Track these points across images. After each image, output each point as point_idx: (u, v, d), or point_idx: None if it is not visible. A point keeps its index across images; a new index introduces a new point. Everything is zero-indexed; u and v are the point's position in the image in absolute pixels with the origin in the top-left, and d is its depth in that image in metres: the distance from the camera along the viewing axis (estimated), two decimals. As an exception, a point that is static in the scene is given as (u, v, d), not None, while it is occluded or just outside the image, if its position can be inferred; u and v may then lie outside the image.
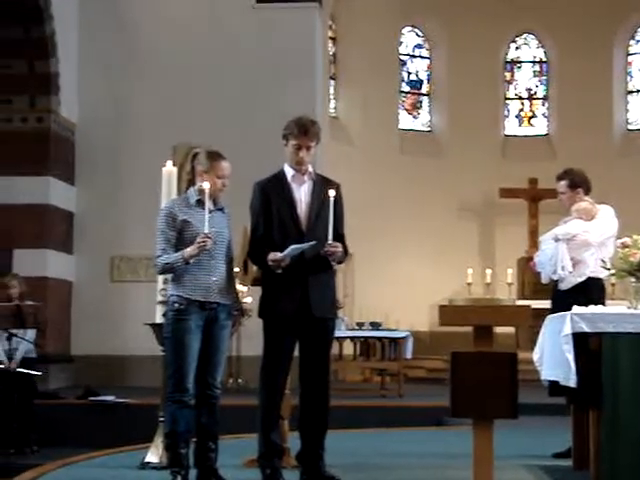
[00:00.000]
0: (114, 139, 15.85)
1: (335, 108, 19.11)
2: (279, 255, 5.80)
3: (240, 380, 14.46)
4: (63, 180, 15.61)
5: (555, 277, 7.43)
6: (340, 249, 5.92)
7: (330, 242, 5.86)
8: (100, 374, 14.96)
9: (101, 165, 15.87)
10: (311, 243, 5.83)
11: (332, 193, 5.94)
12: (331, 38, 18.94)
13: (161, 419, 7.04)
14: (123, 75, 15.89)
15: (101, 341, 15.42)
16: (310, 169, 6.13)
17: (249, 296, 9.88)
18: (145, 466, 6.94)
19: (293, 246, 5.81)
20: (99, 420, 11.44)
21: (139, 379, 14.54)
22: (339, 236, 6.00)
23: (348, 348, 15.00)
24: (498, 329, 5.35)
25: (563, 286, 7.40)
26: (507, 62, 20.56)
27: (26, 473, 6.55)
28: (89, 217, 15.92)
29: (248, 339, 11.41)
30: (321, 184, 6.11)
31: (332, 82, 19.03)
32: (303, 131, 6.02)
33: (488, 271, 17.54)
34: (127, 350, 15.13)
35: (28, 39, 14.84)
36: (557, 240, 7.40)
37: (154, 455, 7.02)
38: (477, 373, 4.97)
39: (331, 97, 19.01)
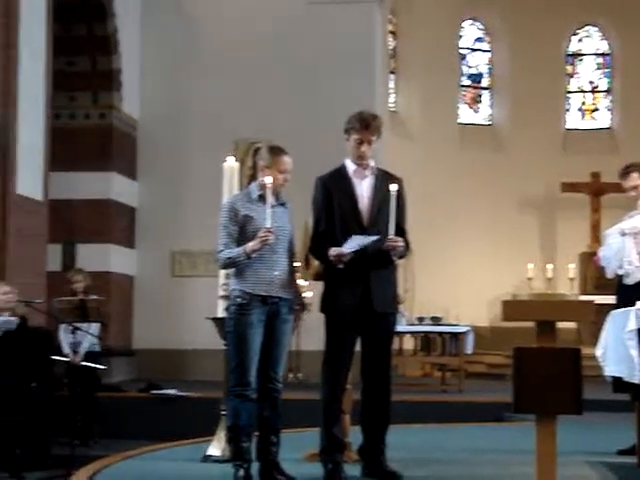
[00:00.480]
0: (175, 135, 15.96)
1: (395, 102, 19.04)
2: (344, 251, 5.79)
3: (300, 375, 14.51)
4: (125, 175, 15.77)
5: (621, 272, 7.34)
6: (401, 244, 5.91)
7: (391, 237, 5.85)
8: (161, 368, 15.09)
9: (162, 160, 16.00)
10: (373, 238, 5.82)
11: (394, 187, 5.92)
12: (391, 32, 18.87)
13: (223, 412, 7.09)
14: (184, 71, 16.00)
15: (162, 335, 15.56)
16: (372, 164, 6.13)
17: (309, 291, 9.91)
18: (207, 459, 6.99)
19: (355, 236, 5.80)
20: (161, 413, 11.54)
21: (200, 373, 14.64)
22: (401, 231, 5.99)
23: (408, 343, 14.98)
24: (560, 324, 5.30)
25: (629, 281, 7.31)
26: (569, 55, 20.33)
27: (90, 465, 6.63)
28: (150, 212, 16.06)
29: (308, 334, 11.42)
30: (383, 179, 6.10)
31: (392, 76, 18.96)
32: (365, 125, 6.02)
33: (549, 266, 17.35)
34: (188, 344, 15.25)
35: (91, 36, 15.01)
36: (624, 234, 7.31)
37: (216, 448, 7.07)
38: (541, 369, 4.92)
39: (391, 91, 18.95)
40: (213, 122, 15.68)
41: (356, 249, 5.81)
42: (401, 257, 6.04)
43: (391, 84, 18.94)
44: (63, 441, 9.74)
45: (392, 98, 18.97)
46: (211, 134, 15.49)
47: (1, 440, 9.15)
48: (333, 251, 5.84)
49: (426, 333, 14.37)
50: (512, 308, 5.24)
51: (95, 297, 10.39)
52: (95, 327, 10.59)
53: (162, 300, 15.74)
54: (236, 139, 14.35)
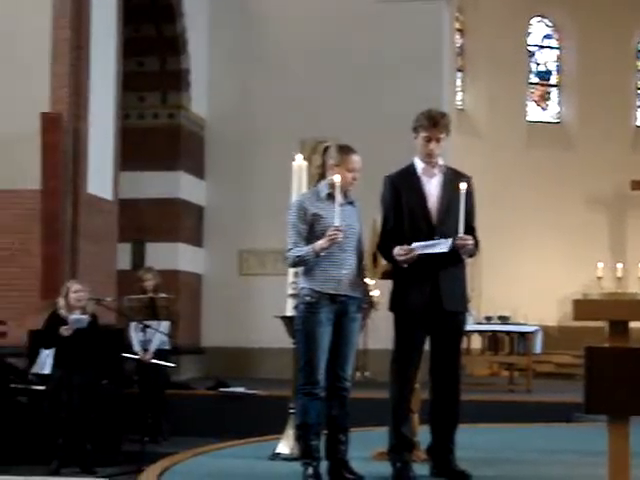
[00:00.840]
0: (243, 134, 16.05)
1: (462, 101, 18.94)
2: (414, 251, 5.76)
3: (367, 373, 14.49)
4: (193, 174, 15.90)
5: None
6: (471, 242, 5.87)
7: (461, 235, 5.82)
8: (229, 366, 15.19)
9: (230, 159, 16.10)
10: (442, 250, 5.77)
11: (463, 186, 5.89)
12: (458, 30, 18.77)
13: (292, 411, 7.10)
14: (252, 70, 16.08)
15: (230, 333, 15.67)
16: (440, 162, 6.10)
17: (376, 289, 9.89)
18: (276, 457, 7.00)
19: (423, 244, 5.77)
20: (229, 411, 11.60)
21: (268, 371, 14.72)
22: (470, 229, 5.95)
23: (476, 342, 14.89)
24: (632, 324, 5.22)
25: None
26: (639, 51, 20.03)
27: (160, 461, 6.67)
28: (218, 211, 16.17)
29: (375, 332, 11.40)
30: (452, 177, 6.06)
31: (459, 74, 18.86)
32: (433, 123, 5.98)
33: (619, 265, 17.17)
34: (255, 342, 15.34)
35: (160, 37, 15.16)
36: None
37: (285, 446, 7.08)
38: (613, 369, 4.84)
39: (458, 89, 18.84)
40: (280, 121, 15.74)
41: (422, 253, 5.78)
42: (471, 256, 6.00)
43: (458, 82, 18.84)
44: (133, 438, 9.86)
45: (459, 96, 18.86)
46: (278, 133, 15.56)
47: (73, 436, 9.28)
48: (401, 249, 5.82)
49: (494, 332, 14.26)
50: (584, 307, 5.15)
51: (164, 295, 10.48)
52: (165, 325, 10.68)
53: (230, 298, 15.84)
54: (303, 138, 14.38)
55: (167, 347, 11.04)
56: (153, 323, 10.14)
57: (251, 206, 15.85)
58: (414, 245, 5.81)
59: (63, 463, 9.20)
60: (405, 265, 5.84)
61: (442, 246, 5.80)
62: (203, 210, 16.30)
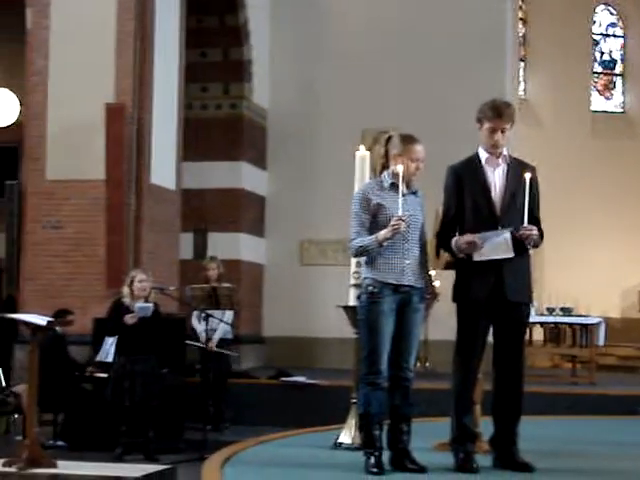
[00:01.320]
0: (304, 124, 16.04)
1: (525, 90, 18.78)
2: (476, 244, 5.74)
3: (428, 364, 14.44)
4: (255, 165, 15.95)
5: None
6: (536, 232, 5.82)
7: (525, 225, 5.76)
8: (290, 355, 15.23)
9: (291, 150, 16.11)
10: (506, 255, 5.75)
11: (528, 176, 5.83)
12: (521, 19, 18.61)
13: (354, 401, 7.10)
14: (313, 60, 16.07)
15: (291, 323, 15.69)
16: (505, 152, 6.04)
17: (438, 280, 9.83)
18: (338, 446, 7.01)
19: (485, 235, 5.74)
20: (290, 400, 11.63)
21: (328, 361, 14.74)
22: (535, 219, 5.89)
23: (537, 334, 14.76)
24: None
25: None
26: None
27: (224, 449, 6.71)
28: (280, 201, 16.19)
29: (436, 323, 11.35)
30: (516, 167, 6.01)
31: (522, 64, 18.70)
32: (497, 114, 5.93)
33: (685, 256, 16.92)
34: (317, 332, 15.36)
35: (223, 28, 15.22)
36: None
37: (347, 436, 7.09)
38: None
39: (521, 79, 18.68)
40: (341, 111, 15.72)
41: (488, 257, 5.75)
42: (535, 246, 5.94)
43: (521, 72, 18.68)
44: (195, 426, 9.93)
45: (522, 86, 18.70)
46: (339, 123, 15.54)
47: (136, 423, 9.36)
48: (464, 240, 5.78)
49: (556, 324, 14.12)
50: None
51: (227, 285, 10.52)
52: (229, 315, 10.73)
53: (291, 289, 15.87)
54: (364, 127, 14.34)
55: (230, 336, 11.09)
56: (216, 312, 10.19)
57: (312, 196, 15.86)
58: (476, 237, 5.77)
59: (126, 450, 9.29)
60: (461, 255, 5.81)
61: (505, 249, 5.75)
62: (265, 200, 16.34)
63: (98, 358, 10.52)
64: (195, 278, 10.87)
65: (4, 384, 9.96)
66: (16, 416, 9.68)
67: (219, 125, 15.41)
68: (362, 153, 7.35)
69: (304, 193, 15.97)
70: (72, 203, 11.93)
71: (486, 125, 5.96)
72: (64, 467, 7.32)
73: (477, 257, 5.82)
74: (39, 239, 12.00)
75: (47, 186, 12.02)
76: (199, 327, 10.53)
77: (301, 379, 12.00)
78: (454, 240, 5.86)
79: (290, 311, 15.76)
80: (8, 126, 14.54)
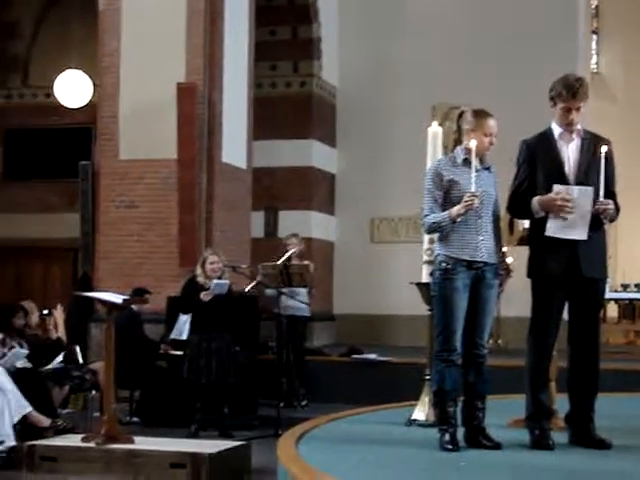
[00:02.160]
0: (374, 100, 15.98)
1: (597, 64, 18.49)
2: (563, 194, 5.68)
3: (500, 341, 14.36)
4: (325, 142, 15.94)
5: None
6: (612, 207, 5.75)
7: (601, 200, 5.69)
8: (361, 333, 15.25)
9: (361, 127, 16.07)
10: (580, 237, 5.69)
11: (604, 149, 5.76)
12: (593, -9, 18.34)
13: (427, 377, 7.10)
14: (382, 37, 15.99)
15: (362, 301, 15.70)
16: (579, 126, 5.96)
17: (510, 256, 9.75)
18: (412, 423, 7.00)
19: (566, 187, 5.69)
20: (361, 377, 11.64)
21: (400, 338, 14.73)
22: (610, 194, 5.82)
23: (612, 310, 14.59)
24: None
25: None
26: None
27: (298, 426, 6.74)
28: (350, 179, 16.18)
29: (508, 300, 11.28)
30: (591, 141, 5.93)
31: (594, 36, 18.41)
32: (572, 93, 5.85)
33: None
34: (388, 309, 15.35)
35: (292, 6, 15.22)
36: None
37: (421, 413, 7.08)
38: None
39: (593, 52, 18.40)
40: (411, 87, 15.63)
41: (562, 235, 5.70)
42: (611, 221, 5.87)
43: (593, 45, 18.39)
44: (269, 403, 10.01)
45: (594, 59, 18.42)
46: (409, 99, 15.46)
47: (211, 400, 9.46)
48: (551, 194, 5.70)
49: (631, 300, 13.94)
50: None
51: (299, 263, 10.55)
52: (304, 293, 10.77)
53: (362, 266, 15.87)
54: (435, 103, 14.26)
55: (307, 314, 11.11)
56: (290, 289, 10.23)
57: (383, 173, 15.81)
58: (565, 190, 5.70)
59: (201, 426, 9.39)
60: (541, 215, 5.75)
61: (580, 231, 5.68)
62: (334, 178, 16.34)
63: (172, 336, 10.63)
64: (267, 256, 10.91)
65: (81, 361, 10.10)
66: (93, 393, 9.82)
67: (289, 103, 15.42)
68: (434, 129, 7.30)
69: (374, 170, 15.93)
70: (145, 183, 12.05)
71: (560, 104, 5.88)
72: (141, 443, 7.44)
73: (549, 232, 5.75)
74: (113, 218, 12.15)
75: (120, 166, 12.15)
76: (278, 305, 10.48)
77: (373, 356, 12.01)
78: (537, 198, 5.78)
79: (361, 289, 15.77)
80: (82, 107, 14.71)
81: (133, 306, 10.31)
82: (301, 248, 10.99)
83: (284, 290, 9.94)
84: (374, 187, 15.91)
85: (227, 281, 9.51)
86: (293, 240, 11.05)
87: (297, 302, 10.59)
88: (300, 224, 14.87)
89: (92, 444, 7.33)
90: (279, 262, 10.32)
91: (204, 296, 9.35)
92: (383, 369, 11.69)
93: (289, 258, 10.61)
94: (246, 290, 10.20)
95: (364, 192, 16.00)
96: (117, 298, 7.86)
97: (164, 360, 10.67)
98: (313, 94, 15.61)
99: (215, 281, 9.42)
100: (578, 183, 5.82)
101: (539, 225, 5.85)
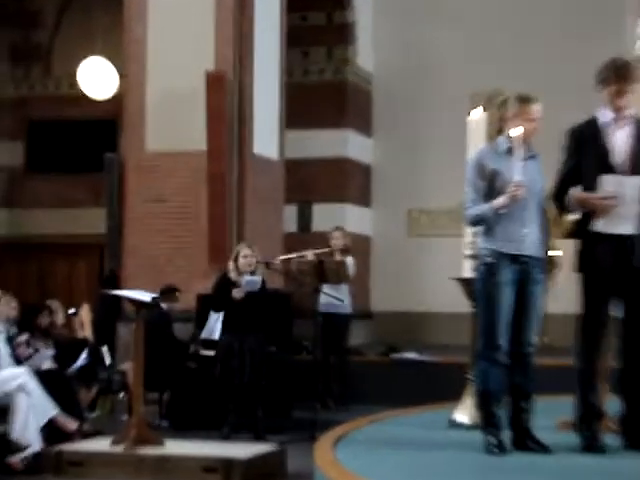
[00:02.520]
0: (412, 87, 15.92)
1: (645, 47, 18.29)
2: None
3: (545, 338, 14.25)
4: (360, 132, 15.91)
5: None
6: (666, 196, 5.69)
7: (653, 190, 5.64)
8: (400, 331, 15.20)
9: (398, 115, 16.01)
10: (626, 232, 5.64)
11: (656, 136, 5.70)
12: (641, -30, 18.12)
13: (470, 377, 7.06)
14: (419, 21, 15.92)
15: (401, 297, 15.67)
16: (631, 112, 5.90)
17: (558, 249, 9.68)
18: (454, 425, 6.97)
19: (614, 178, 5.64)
20: (401, 377, 11.61)
21: (441, 336, 14.67)
22: (665, 182, 5.76)
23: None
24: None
25: None
26: None
27: (335, 429, 6.74)
28: (387, 170, 16.14)
29: (555, 295, 11.20)
30: (642, 125, 5.87)
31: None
32: (623, 76, 5.79)
33: None
34: (428, 306, 15.31)
35: (324, -11, 15.22)
36: None
37: (464, 415, 7.05)
38: None
39: (639, 36, 18.20)
40: (451, 72, 15.56)
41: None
42: (662, 211, 5.81)
43: (639, 29, 18.19)
44: (304, 405, 9.99)
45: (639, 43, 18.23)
46: (449, 85, 15.38)
47: (244, 402, 9.45)
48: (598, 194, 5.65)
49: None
50: None
51: (337, 259, 10.51)
52: (345, 289, 10.73)
53: (400, 261, 15.83)
54: (476, 89, 14.15)
55: (347, 311, 11.08)
56: (328, 287, 10.22)
57: (421, 163, 15.75)
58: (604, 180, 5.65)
59: (234, 429, 9.38)
60: (576, 211, 5.71)
61: (630, 224, 5.65)
62: (370, 169, 16.30)
63: (203, 335, 10.62)
64: (301, 252, 10.89)
65: (109, 362, 10.14)
66: (122, 395, 9.86)
67: (322, 91, 15.40)
68: (476, 116, 7.27)
69: (412, 160, 15.87)
70: (173, 176, 12.05)
71: (611, 88, 5.83)
72: (172, 446, 7.45)
73: (598, 228, 5.70)
74: (140, 213, 12.17)
75: (147, 158, 12.16)
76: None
77: (412, 356, 11.99)
78: (576, 195, 5.74)
79: (399, 285, 15.73)
80: (107, 98, 14.76)
81: (162, 305, 10.32)
82: (346, 242, 10.96)
83: (320, 286, 9.90)
84: (412, 178, 15.86)
85: (259, 277, 9.49)
86: (337, 234, 11.02)
87: (334, 298, 10.53)
88: (335, 217, 14.82)
89: (121, 448, 7.34)
90: (311, 256, 10.30)
91: (236, 293, 9.34)
92: (423, 369, 11.66)
93: (331, 253, 10.58)
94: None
95: (401, 183, 15.95)
96: (146, 296, 7.88)
97: (194, 361, 10.66)
98: (348, 81, 15.57)
99: (247, 277, 9.41)
100: (628, 172, 5.75)
101: (587, 217, 5.80)
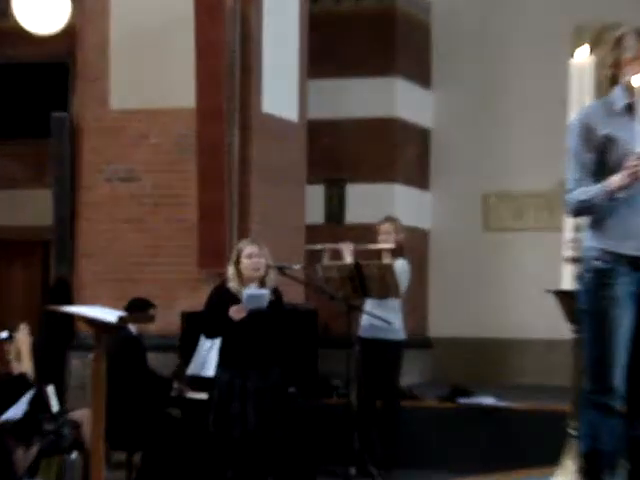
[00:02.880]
0: (488, 19, 15.96)
1: None
2: None
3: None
4: (415, 82, 15.93)
5: None
6: None
7: None
8: (469, 365, 15.24)
9: (468, 59, 16.04)
10: None
11: None
12: None
13: (573, 432, 7.07)
14: None
15: (471, 317, 15.68)
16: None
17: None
18: (550, 500, 7.02)
19: None
20: (473, 432, 11.63)
21: (529, 373, 14.69)
22: None
23: None
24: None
25: None
26: None
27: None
28: (452, 136, 16.16)
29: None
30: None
31: None
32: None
33: None
34: (509, 330, 15.31)
35: None
36: None
37: (564, 483, 7.09)
38: None
39: None
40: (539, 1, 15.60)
41: None
42: None
43: None
44: (334, 469, 10.04)
45: None
46: (540, 18, 15.39)
47: (249, 464, 9.46)
48: None
49: None
50: None
51: (382, 261, 10.54)
52: (395, 305, 10.73)
53: (471, 265, 15.84)
54: (579, 23, 14.20)
55: (399, 337, 11.07)
56: (375, 303, 10.27)
57: (501, 127, 15.76)
58: None
59: (235, 503, 9.46)
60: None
61: None
62: (429, 135, 16.32)
63: (190, 371, 10.68)
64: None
65: (57, 408, 10.17)
66: (74, 455, 9.89)
67: (360, 24, 15.43)
68: (580, 60, 7.27)
69: (488, 122, 15.90)
70: (149, 144, 12.13)
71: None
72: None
73: None
74: (101, 197, 12.25)
75: (111, 119, 12.24)
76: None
77: (488, 400, 12.01)
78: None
79: (469, 299, 15.75)
80: (54, 33, 14.78)
81: (131, 326, 10.36)
82: (398, 239, 10.93)
83: (360, 302, 9.92)
84: (488, 148, 15.88)
85: (266, 290, 9.45)
86: (385, 227, 11.02)
87: (378, 319, 10.55)
88: (378, 203, 14.86)
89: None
90: (347, 258, 10.33)
91: (234, 312, 9.33)
92: (504, 419, 11.67)
93: (377, 254, 10.58)
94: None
95: (473, 155, 15.97)
96: (109, 315, 7.90)
97: (178, 407, 10.72)
98: (397, 10, 15.60)
99: (248, 290, 9.37)
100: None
101: None
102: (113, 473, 9.88)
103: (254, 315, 9.39)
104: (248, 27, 12.08)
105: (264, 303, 9.42)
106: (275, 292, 9.61)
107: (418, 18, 16.06)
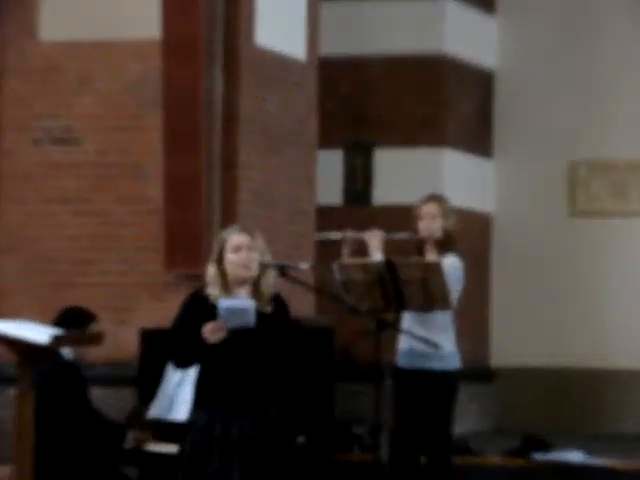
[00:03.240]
0: None
1: None
2: None
3: None
4: (472, 5, 15.98)
5: None
6: None
7: None
8: (547, 405, 15.30)
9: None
10: None
11: None
12: None
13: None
14: None
15: (550, 339, 15.75)
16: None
17: None
18: None
19: None
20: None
21: (632, 416, 14.76)
22: None
23: None
24: None
25: None
26: None
27: None
28: (523, 83, 16.28)
29: None
30: None
31: None
32: None
33: None
34: (604, 358, 15.40)
35: None
36: None
37: None
38: None
39: None
40: None
41: None
42: None
43: None
44: None
45: None
46: None
47: None
48: None
49: None
50: None
51: (427, 260, 10.57)
52: (443, 323, 10.73)
53: (551, 264, 15.89)
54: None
55: (452, 367, 11.06)
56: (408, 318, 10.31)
57: (595, 69, 15.81)
58: None
59: None
60: None
61: None
62: (492, 80, 16.37)
63: (153, 414, 10.70)
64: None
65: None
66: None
67: None
68: None
69: (575, 64, 15.93)
70: (94, 91, 12.15)
71: None
72: None
73: None
74: (27, 166, 12.28)
75: (41, 56, 12.29)
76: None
77: (573, 456, 12.04)
78: None
79: (548, 314, 15.80)
80: None
81: (64, 351, 10.34)
82: (447, 226, 10.92)
83: (394, 316, 9.95)
84: (576, 99, 15.92)
85: (250, 301, 9.33)
86: (428, 209, 10.99)
87: (421, 341, 10.56)
88: (421, 176, 14.90)
89: None
90: (375, 254, 10.36)
91: (209, 333, 9.27)
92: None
93: (417, 247, 10.61)
94: None
95: (554, 109, 16.02)
96: (38, 333, 7.92)
97: (135, 464, 10.76)
98: None
99: (224, 302, 9.24)
100: None
101: None
102: None
103: (240, 334, 9.36)
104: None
105: (249, 319, 9.33)
106: (276, 300, 9.53)
107: None
